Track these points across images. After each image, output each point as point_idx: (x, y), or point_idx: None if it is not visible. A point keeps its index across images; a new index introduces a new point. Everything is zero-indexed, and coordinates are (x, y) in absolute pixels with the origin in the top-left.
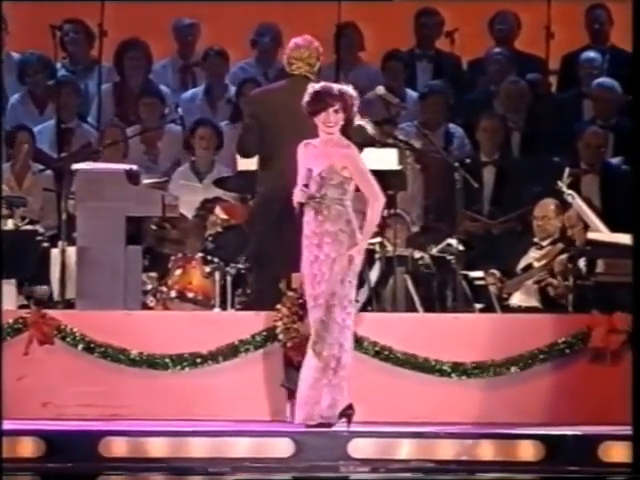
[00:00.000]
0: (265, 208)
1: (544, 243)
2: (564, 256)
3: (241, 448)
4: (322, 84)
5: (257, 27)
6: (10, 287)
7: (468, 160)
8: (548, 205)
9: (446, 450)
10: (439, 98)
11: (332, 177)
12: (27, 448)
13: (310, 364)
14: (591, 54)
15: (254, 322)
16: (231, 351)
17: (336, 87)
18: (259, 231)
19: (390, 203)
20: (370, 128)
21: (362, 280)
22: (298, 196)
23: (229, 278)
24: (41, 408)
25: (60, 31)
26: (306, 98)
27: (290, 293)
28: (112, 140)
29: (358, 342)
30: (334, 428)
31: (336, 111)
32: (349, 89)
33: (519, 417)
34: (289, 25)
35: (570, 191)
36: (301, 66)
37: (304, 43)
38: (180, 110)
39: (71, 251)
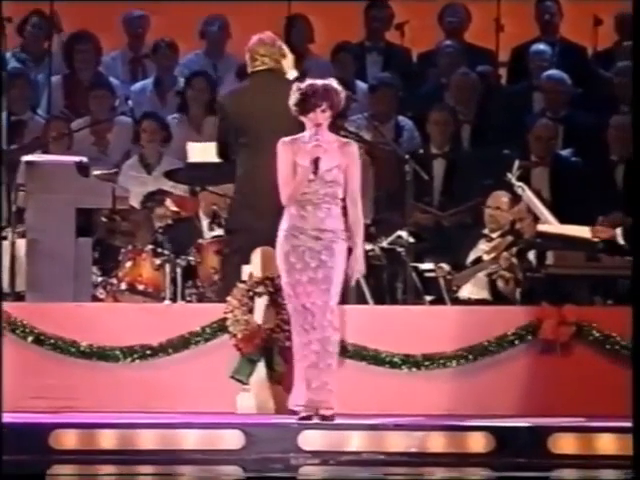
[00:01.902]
0: (246, 203)
1: (494, 235)
2: (507, 253)
3: (191, 440)
4: (307, 83)
5: (205, 18)
6: None
7: (421, 151)
8: (501, 197)
9: (396, 442)
10: (389, 90)
11: (337, 176)
12: None
13: (311, 349)
14: (541, 46)
15: (204, 314)
16: (181, 343)
17: (321, 85)
18: (239, 227)
19: None
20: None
21: None
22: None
23: (179, 270)
24: None
25: (9, 22)
26: (292, 99)
27: (240, 285)
28: (57, 132)
29: None
30: (285, 420)
31: (323, 110)
32: (334, 84)
33: (469, 409)
34: (239, 18)
35: (520, 183)
36: (267, 62)
37: (269, 40)
38: (130, 102)
39: (21, 243)
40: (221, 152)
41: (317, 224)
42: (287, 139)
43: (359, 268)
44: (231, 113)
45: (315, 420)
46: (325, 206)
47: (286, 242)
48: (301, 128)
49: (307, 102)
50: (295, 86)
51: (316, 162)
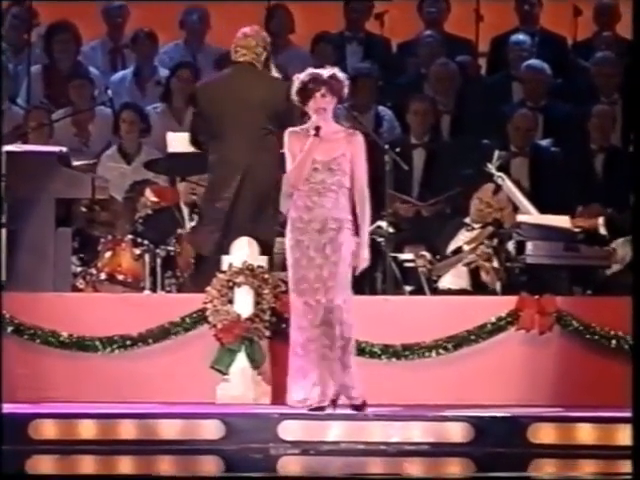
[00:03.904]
0: (218, 193)
1: (476, 226)
2: (485, 246)
3: (171, 430)
4: (308, 71)
5: (185, 8)
6: None
7: (398, 143)
8: (490, 192)
9: (376, 432)
10: (368, 81)
11: (343, 164)
12: None
13: (324, 346)
14: (520, 36)
15: (184, 304)
16: (161, 333)
17: (320, 72)
18: (212, 216)
19: None
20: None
21: None
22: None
23: (159, 260)
24: None
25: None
26: (294, 89)
27: (220, 275)
28: (37, 122)
29: (288, 324)
30: (264, 410)
31: (323, 95)
32: (336, 72)
33: (449, 399)
34: (219, 9)
35: (500, 173)
36: (246, 54)
37: (251, 32)
38: (110, 92)
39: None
40: (193, 140)
41: (323, 214)
42: (294, 129)
43: (364, 258)
44: (204, 102)
45: (329, 410)
46: (332, 195)
47: (291, 236)
48: (273, 122)
49: (306, 89)
50: (296, 76)
51: (317, 129)
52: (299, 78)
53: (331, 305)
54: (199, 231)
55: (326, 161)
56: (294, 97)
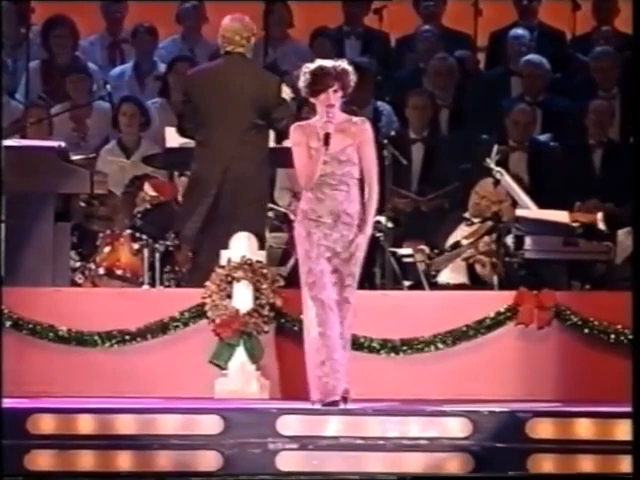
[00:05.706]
0: (199, 185)
1: (475, 220)
2: (487, 238)
3: (169, 425)
4: (318, 64)
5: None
6: None
7: (392, 133)
8: (490, 187)
9: (374, 427)
10: (367, 75)
11: (352, 155)
12: None
13: (330, 343)
14: (519, 31)
15: (183, 299)
16: (160, 328)
17: (331, 66)
18: (192, 208)
19: None
20: (288, 92)
21: (289, 255)
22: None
23: (158, 255)
24: None
25: None
26: (303, 80)
27: (219, 270)
28: (37, 118)
29: (286, 318)
30: (263, 405)
31: (335, 91)
32: (344, 65)
33: (447, 394)
34: (217, 2)
35: (498, 168)
36: (235, 46)
37: (235, 23)
38: (109, 87)
39: None
40: (179, 128)
41: (335, 207)
42: (300, 123)
43: (358, 254)
44: (193, 91)
45: (341, 405)
46: (343, 188)
47: (302, 227)
48: (262, 117)
49: (318, 83)
50: (304, 67)
51: (326, 137)
52: (310, 70)
53: (344, 304)
54: (184, 224)
55: (334, 153)
56: (302, 89)
